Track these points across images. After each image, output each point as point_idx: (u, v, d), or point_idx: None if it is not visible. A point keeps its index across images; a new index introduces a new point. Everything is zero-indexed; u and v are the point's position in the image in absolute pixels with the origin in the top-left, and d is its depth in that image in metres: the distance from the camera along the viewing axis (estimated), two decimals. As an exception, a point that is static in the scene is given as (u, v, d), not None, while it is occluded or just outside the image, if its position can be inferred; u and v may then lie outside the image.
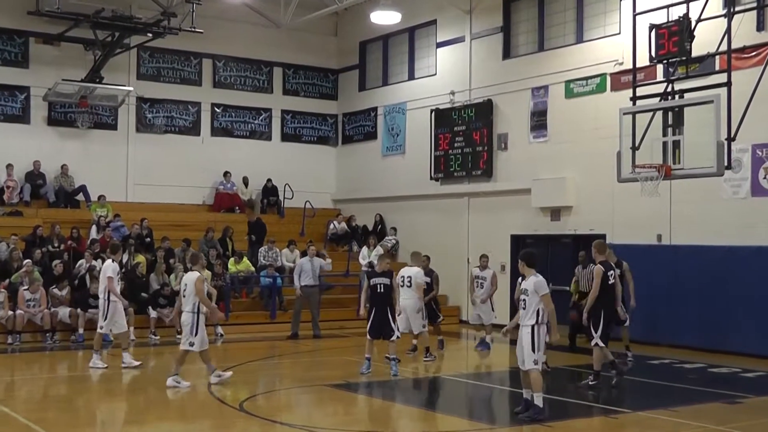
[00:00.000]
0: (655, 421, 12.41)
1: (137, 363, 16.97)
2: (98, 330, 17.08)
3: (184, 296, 14.95)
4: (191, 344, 14.71)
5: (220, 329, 21.89)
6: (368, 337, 16.08)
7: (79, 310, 20.66)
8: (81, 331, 20.50)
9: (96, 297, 20.37)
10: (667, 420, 12.45)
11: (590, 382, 14.86)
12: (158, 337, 20.97)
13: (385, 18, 27.67)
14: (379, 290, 15.93)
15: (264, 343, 21.46)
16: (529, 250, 12.92)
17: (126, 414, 13.58)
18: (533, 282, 12.07)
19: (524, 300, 12.14)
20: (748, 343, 18.71)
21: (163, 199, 27.95)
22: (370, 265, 22.31)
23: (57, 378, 17.34)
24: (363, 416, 13.38)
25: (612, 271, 15.01)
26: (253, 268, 24.57)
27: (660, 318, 20.08)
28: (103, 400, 14.59)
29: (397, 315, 16.21)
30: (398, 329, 16.27)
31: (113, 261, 17.11)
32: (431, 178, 27.35)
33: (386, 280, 15.95)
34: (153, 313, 21.37)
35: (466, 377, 16.83)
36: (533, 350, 11.93)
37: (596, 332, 14.74)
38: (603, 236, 21.11)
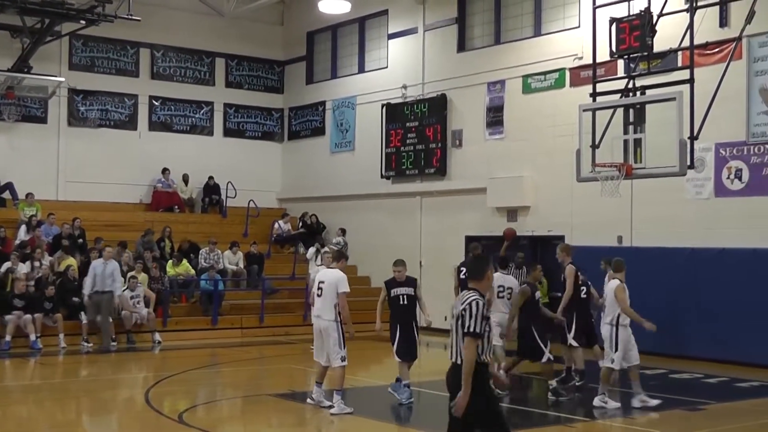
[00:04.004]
0: (613, 430, 12.61)
1: None
2: None
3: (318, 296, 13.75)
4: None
5: (157, 336, 21.78)
6: (398, 359, 14.47)
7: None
8: (8, 338, 20.24)
9: (21, 298, 20.39)
10: (627, 428, 12.65)
11: (576, 383, 15.52)
12: (91, 344, 20.80)
13: (334, 7, 27.73)
14: (402, 302, 14.47)
15: (205, 351, 21.39)
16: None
17: (57, 425, 13.47)
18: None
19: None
20: (711, 348, 19.01)
21: (97, 198, 27.70)
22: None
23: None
24: (311, 428, 13.42)
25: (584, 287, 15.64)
26: (193, 271, 24.48)
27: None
28: (33, 410, 14.45)
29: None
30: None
31: None
32: (382, 177, 27.43)
33: (410, 290, 14.51)
34: (85, 319, 21.21)
35: (428, 386, 16.84)
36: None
37: (570, 332, 15.41)
38: (562, 238, 21.41)
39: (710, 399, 15.10)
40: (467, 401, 7.63)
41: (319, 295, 13.55)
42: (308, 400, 13.72)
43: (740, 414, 14.12)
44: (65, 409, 14.70)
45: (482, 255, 7.98)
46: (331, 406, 13.29)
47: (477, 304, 7.72)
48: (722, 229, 19.42)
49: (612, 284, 14.20)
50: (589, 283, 16.03)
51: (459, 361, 7.78)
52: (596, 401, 13.96)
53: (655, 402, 13.94)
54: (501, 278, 16.74)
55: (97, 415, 14.14)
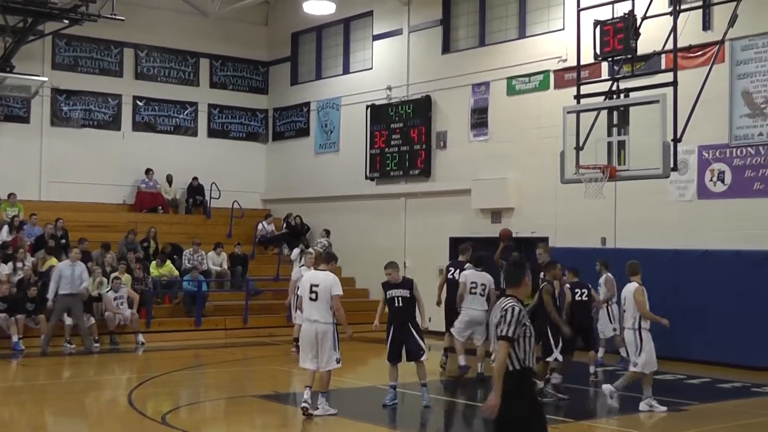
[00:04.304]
0: (595, 431, 12.67)
1: None
2: None
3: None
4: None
5: (141, 337, 21.75)
6: (387, 361, 14.42)
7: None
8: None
9: (3, 300, 20.35)
10: (610, 429, 12.72)
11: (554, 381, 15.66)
12: (74, 346, 20.72)
13: (318, 8, 27.72)
14: (397, 304, 14.27)
15: (188, 352, 21.38)
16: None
17: (39, 427, 13.46)
18: None
19: None
20: (694, 349, 19.10)
21: (80, 198, 27.62)
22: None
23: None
24: (294, 429, 13.42)
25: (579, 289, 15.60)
26: (176, 272, 24.46)
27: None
28: (15, 412, 14.42)
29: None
30: (426, 348, 14.47)
31: None
32: (366, 178, 27.47)
33: (405, 292, 14.29)
34: (68, 321, 21.12)
35: (413, 387, 16.89)
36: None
37: (556, 347, 15.06)
38: (545, 239, 21.48)
39: (692, 400, 15.19)
40: (498, 403, 7.64)
41: (313, 299, 13.19)
42: (303, 404, 13.13)
43: (722, 415, 14.21)
44: (47, 410, 14.67)
45: (520, 261, 8.04)
46: (315, 408, 13.27)
47: (514, 309, 7.78)
48: (705, 231, 19.53)
49: (631, 287, 14.14)
50: (590, 285, 16.14)
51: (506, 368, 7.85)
52: (642, 405, 13.88)
53: (663, 408, 13.98)
54: (474, 275, 17.00)
55: (79, 416, 14.11)
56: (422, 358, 14.19)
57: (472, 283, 16.91)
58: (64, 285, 20.42)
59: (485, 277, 17.00)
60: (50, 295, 20.43)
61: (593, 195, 15.89)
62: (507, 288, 8.21)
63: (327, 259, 13.93)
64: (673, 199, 20.05)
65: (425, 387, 14.25)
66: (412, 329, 14.20)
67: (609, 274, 18.38)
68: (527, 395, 7.89)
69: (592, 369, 16.91)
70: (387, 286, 14.39)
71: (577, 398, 15.48)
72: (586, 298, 16.40)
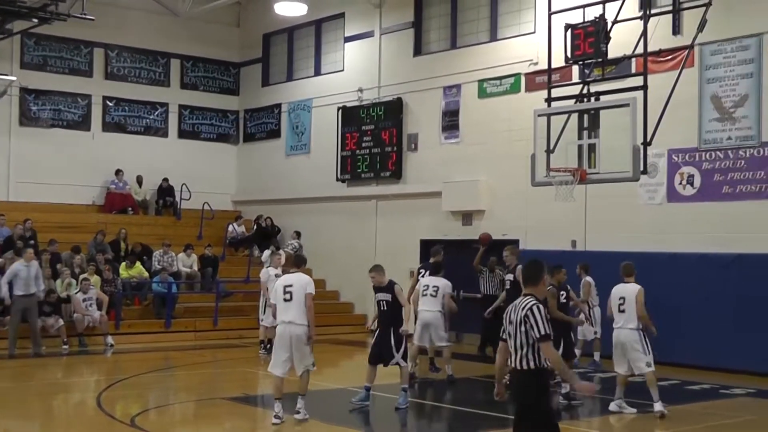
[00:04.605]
0: (568, 433, 12.69)
1: None
2: None
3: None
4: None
5: (110, 339, 21.62)
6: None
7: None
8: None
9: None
10: (576, 430, 12.74)
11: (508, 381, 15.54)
12: (43, 348, 20.56)
13: (290, 9, 27.68)
14: (382, 308, 14.31)
15: (157, 354, 21.28)
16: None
17: (5, 431, 13.34)
18: None
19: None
20: (663, 351, 19.03)
21: (49, 199, 27.41)
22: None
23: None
24: (264, 431, 13.38)
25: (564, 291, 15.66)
26: (146, 274, 24.32)
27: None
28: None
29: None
30: (402, 354, 14.24)
31: None
32: (337, 180, 27.45)
33: (388, 296, 14.20)
34: (40, 323, 20.95)
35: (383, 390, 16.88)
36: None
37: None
38: (516, 241, 21.52)
39: (661, 402, 15.22)
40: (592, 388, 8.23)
41: (288, 299, 12.81)
42: (275, 421, 12.68)
43: (690, 417, 14.28)
44: (14, 414, 14.52)
45: (537, 260, 8.12)
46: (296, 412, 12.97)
47: (538, 308, 7.94)
48: (674, 233, 19.64)
49: (632, 288, 14.00)
50: (568, 286, 16.16)
51: (525, 367, 7.99)
52: (657, 407, 13.82)
53: (632, 410, 13.98)
54: (429, 279, 17.03)
55: (47, 419, 13.99)
56: (390, 363, 14.21)
57: (424, 285, 16.95)
58: (20, 286, 20.11)
59: (440, 281, 17.02)
60: (4, 295, 20.23)
61: (564, 198, 15.95)
62: (525, 287, 8.30)
63: (297, 262, 13.72)
64: (643, 202, 20.16)
65: (403, 391, 14.22)
66: (391, 334, 14.14)
67: (588, 278, 18.39)
68: (548, 394, 8.18)
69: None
70: (374, 289, 14.43)
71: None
72: (564, 300, 16.40)
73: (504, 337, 8.26)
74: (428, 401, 15.95)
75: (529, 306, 7.97)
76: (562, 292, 16.01)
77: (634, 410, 14.00)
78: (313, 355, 12.95)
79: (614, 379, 14.33)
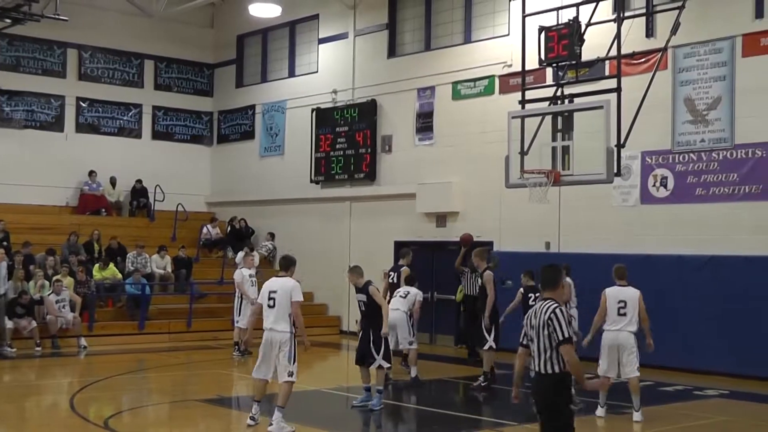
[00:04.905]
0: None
1: None
2: None
3: None
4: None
5: (83, 341, 21.47)
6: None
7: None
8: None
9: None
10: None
11: (482, 383, 16.16)
12: (14, 350, 20.38)
13: (264, 10, 27.61)
14: (361, 308, 14.45)
15: (131, 356, 21.14)
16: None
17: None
18: None
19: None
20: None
21: (22, 200, 27.16)
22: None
23: None
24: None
25: (533, 293, 15.91)
26: (120, 275, 24.18)
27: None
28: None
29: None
30: (382, 356, 14.23)
31: None
32: (311, 181, 27.39)
33: (364, 297, 14.27)
34: (9, 324, 20.79)
35: (347, 390, 16.88)
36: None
37: (490, 335, 16.16)
38: (490, 243, 21.55)
39: (632, 402, 15.25)
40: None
41: (271, 306, 12.46)
42: (249, 422, 12.47)
43: (664, 418, 14.32)
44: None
45: (555, 264, 8.18)
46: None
47: (561, 311, 8.06)
48: (648, 235, 19.72)
49: (635, 292, 13.90)
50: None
51: (549, 370, 8.09)
52: (637, 416, 13.71)
53: (602, 411, 13.98)
54: (404, 288, 17.23)
55: (20, 421, 13.87)
56: (372, 366, 14.22)
57: (398, 290, 17.31)
58: None
59: (412, 288, 17.26)
60: None
61: (538, 199, 15.96)
62: (545, 290, 8.39)
63: (285, 265, 13.06)
64: (617, 204, 20.22)
65: (378, 392, 14.23)
66: (371, 335, 14.19)
67: (568, 279, 18.39)
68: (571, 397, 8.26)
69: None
70: (356, 290, 14.50)
71: (500, 398, 15.64)
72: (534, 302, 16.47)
73: (525, 342, 8.40)
74: (403, 403, 15.91)
75: (552, 309, 8.07)
76: (531, 294, 16.12)
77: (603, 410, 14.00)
78: (295, 365, 12.36)
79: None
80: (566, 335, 7.97)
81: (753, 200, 18.36)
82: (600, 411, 13.91)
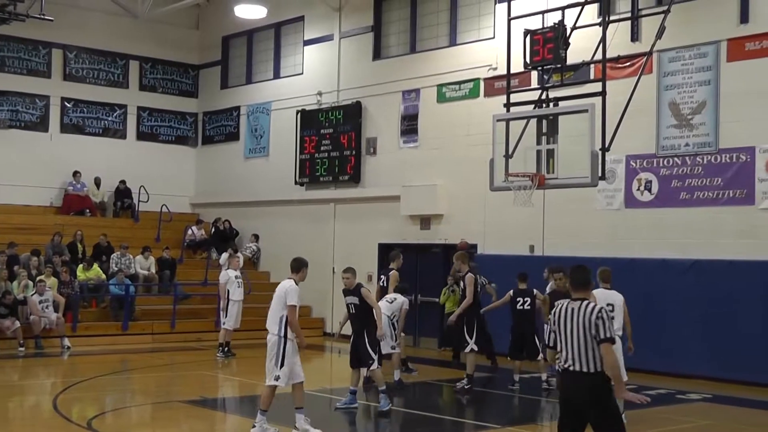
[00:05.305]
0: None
1: None
2: None
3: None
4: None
5: (66, 341, 21.36)
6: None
7: None
8: None
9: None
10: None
11: (465, 386, 16.04)
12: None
13: (249, 12, 27.59)
14: (351, 311, 14.26)
15: (114, 356, 21.06)
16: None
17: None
18: None
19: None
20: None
21: (6, 200, 27.07)
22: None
23: None
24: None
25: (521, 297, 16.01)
26: (104, 276, 24.07)
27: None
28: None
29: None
30: (377, 356, 14.21)
31: None
32: (296, 183, 27.32)
33: (356, 299, 14.07)
34: (-8, 324, 20.72)
35: (330, 392, 16.82)
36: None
37: (471, 338, 16.06)
38: (474, 246, 21.54)
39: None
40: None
41: (271, 308, 12.34)
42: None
43: (646, 421, 14.28)
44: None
45: (584, 265, 8.27)
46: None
47: (606, 312, 8.22)
48: (632, 239, 19.72)
49: (620, 296, 13.84)
50: (535, 291, 16.17)
51: (591, 369, 8.17)
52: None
53: None
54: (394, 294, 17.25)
55: (3, 422, 13.76)
56: (371, 368, 14.16)
57: (387, 295, 17.32)
58: None
59: (399, 296, 17.23)
60: None
61: (522, 203, 15.93)
62: (576, 291, 8.49)
63: (296, 267, 12.68)
64: (601, 207, 20.21)
65: (383, 393, 14.13)
66: (365, 337, 14.08)
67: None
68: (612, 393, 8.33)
69: (544, 376, 16.81)
70: (344, 292, 14.32)
71: (502, 403, 15.55)
72: (528, 307, 16.49)
73: (551, 344, 8.54)
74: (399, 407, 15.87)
75: (599, 309, 8.20)
76: (526, 299, 16.13)
77: None
78: (281, 370, 12.02)
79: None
80: (609, 335, 8.09)
81: (737, 204, 18.37)
82: None
